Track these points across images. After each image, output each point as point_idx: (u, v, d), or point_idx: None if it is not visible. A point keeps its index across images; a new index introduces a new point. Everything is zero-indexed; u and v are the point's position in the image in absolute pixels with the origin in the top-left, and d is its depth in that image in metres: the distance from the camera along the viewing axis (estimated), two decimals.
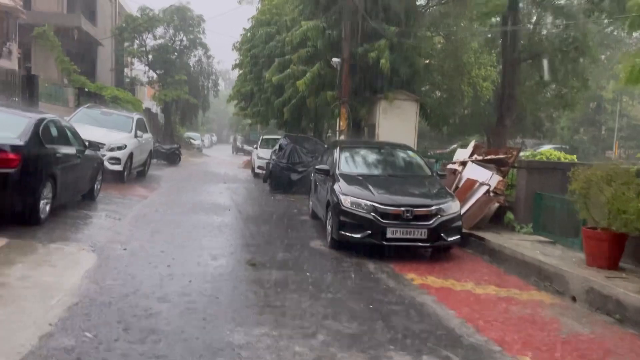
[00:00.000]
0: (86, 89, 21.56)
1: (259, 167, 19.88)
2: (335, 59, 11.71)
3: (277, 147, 15.81)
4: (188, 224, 8.94)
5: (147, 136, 16.29)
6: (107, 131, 13.85)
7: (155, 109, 39.98)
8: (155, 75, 38.45)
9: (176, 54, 38.07)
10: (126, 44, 35.65)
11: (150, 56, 37.23)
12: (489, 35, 16.79)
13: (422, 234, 7.22)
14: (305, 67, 12.52)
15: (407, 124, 12.31)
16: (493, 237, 8.09)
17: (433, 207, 7.36)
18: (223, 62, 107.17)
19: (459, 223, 7.60)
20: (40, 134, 7.44)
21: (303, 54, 12.47)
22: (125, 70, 39.91)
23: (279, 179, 14.72)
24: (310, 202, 10.63)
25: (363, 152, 9.04)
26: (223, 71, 59.59)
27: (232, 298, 5.29)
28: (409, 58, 12.06)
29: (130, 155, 13.95)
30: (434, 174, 8.87)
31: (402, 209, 7.20)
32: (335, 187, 7.78)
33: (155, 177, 16.79)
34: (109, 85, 29.34)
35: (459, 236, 7.56)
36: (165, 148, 23.62)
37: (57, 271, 5.56)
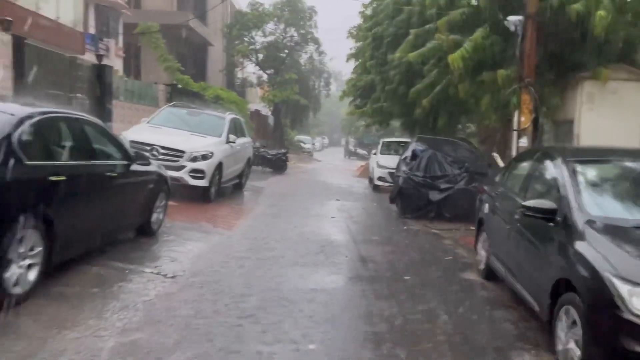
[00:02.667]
0: (179, 86, 19.10)
1: (380, 179, 15.91)
2: (512, 18, 7.39)
3: (407, 154, 11.68)
4: (276, 305, 5.18)
5: (244, 141, 13.06)
6: (189, 135, 10.77)
7: (266, 111, 37.80)
8: (265, 75, 36.16)
9: (286, 51, 35.45)
10: (235, 42, 33.64)
11: (260, 55, 34.96)
12: None
13: None
14: (458, 36, 8.29)
15: (631, 118, 7.60)
16: None
17: None
18: (336, 58, 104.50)
19: None
20: (16, 144, 4.11)
21: (456, 17, 8.24)
22: (237, 71, 38.21)
23: (412, 199, 10.60)
24: (480, 246, 6.42)
25: (624, 169, 4.63)
26: (335, 72, 56.63)
27: None
28: None
29: (219, 166, 10.73)
30: None
31: None
32: (591, 256, 3.52)
33: (253, 192, 13.53)
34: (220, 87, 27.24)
35: None
36: (270, 154, 20.60)
37: None
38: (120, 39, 24.22)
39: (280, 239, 7.72)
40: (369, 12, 17.10)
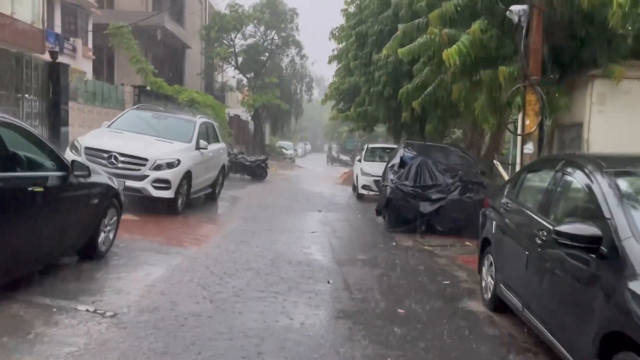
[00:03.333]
0: (148, 88, 17.94)
1: (364, 187, 14.97)
2: (516, 7, 6.47)
3: (394, 161, 10.73)
4: (238, 356, 4.13)
5: (218, 147, 11.99)
6: (154, 141, 9.67)
7: (246, 116, 36.66)
8: (245, 79, 35.06)
9: (267, 54, 34.40)
10: (214, 45, 32.50)
11: (239, 58, 33.86)
12: None
13: None
14: (452, 29, 7.34)
15: None
16: None
17: None
18: (318, 61, 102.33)
19: None
20: None
21: (449, 10, 7.31)
22: (216, 74, 37.03)
23: (401, 212, 9.63)
24: (485, 271, 5.47)
25: None
26: (317, 77, 55.77)
27: None
28: None
29: (188, 175, 9.65)
30: None
31: None
32: None
33: (228, 202, 12.45)
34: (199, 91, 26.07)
35: None
36: (249, 160, 19.52)
37: None
38: (90, 39, 22.97)
39: (253, 261, 6.66)
40: (352, 9, 16.15)
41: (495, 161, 9.14)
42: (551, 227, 3.68)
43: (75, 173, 5.10)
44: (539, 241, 3.97)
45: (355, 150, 40.48)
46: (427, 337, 4.48)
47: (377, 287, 5.93)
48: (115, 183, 6.39)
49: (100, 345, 3.85)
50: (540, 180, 4.66)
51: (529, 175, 5.01)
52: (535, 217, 4.26)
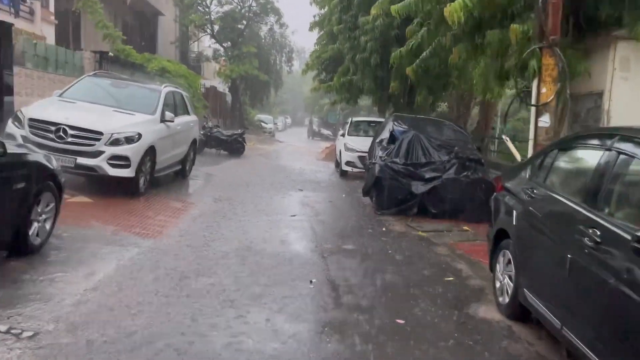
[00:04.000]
0: (110, 54, 16.48)
1: (348, 163, 13.97)
2: None
3: (383, 136, 9.71)
4: None
5: (187, 119, 10.82)
6: (112, 112, 8.47)
7: (223, 87, 35.08)
8: (221, 49, 33.38)
9: (245, 22, 32.69)
10: (189, 12, 30.70)
11: (215, 26, 32.12)
12: None
13: None
14: None
15: None
16: None
17: None
18: (298, 31, 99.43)
19: None
20: None
21: None
22: (191, 43, 35.21)
23: (391, 192, 8.65)
24: (501, 270, 4.55)
25: None
26: (298, 48, 54.03)
27: None
28: None
29: (151, 151, 8.50)
30: None
31: None
32: None
33: (200, 180, 11.35)
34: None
35: None
36: (225, 135, 18.29)
37: None
38: (52, 2, 21.16)
39: (221, 255, 5.63)
40: None
41: (504, 136, 8.16)
42: (614, 229, 2.71)
43: None
44: (589, 242, 3.01)
45: (337, 124, 39.38)
46: (439, 358, 3.54)
47: (368, 288, 4.96)
48: (52, 162, 5.25)
49: None
50: (580, 160, 3.70)
51: (562, 154, 4.03)
52: (579, 208, 3.30)
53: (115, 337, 3.47)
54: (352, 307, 4.40)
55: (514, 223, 4.25)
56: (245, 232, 6.74)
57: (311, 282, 4.90)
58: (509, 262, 4.36)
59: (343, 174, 14.23)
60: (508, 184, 4.74)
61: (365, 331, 3.91)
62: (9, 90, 9.25)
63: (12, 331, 3.43)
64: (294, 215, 8.25)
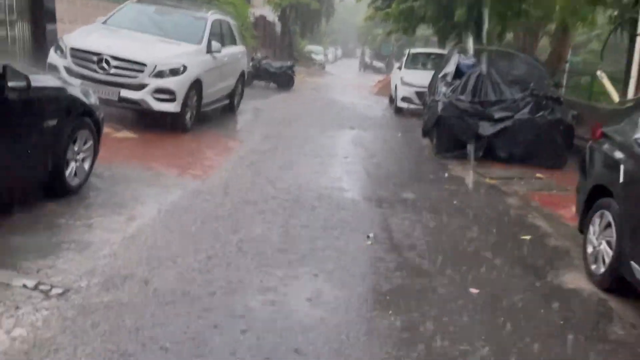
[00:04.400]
0: None
1: (404, 99, 13.05)
2: None
3: (448, 70, 8.77)
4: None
5: (236, 50, 10.19)
6: (156, 42, 7.98)
7: (273, 17, 33.82)
8: None
9: None
10: None
11: None
12: None
13: None
14: None
15: None
16: None
17: None
18: None
19: None
20: None
21: None
22: None
23: (455, 133, 7.86)
24: (595, 234, 3.86)
25: None
26: None
27: None
28: None
29: (197, 84, 8.00)
30: None
31: None
32: None
33: (248, 116, 10.86)
34: None
35: None
36: (275, 67, 17.58)
37: None
38: None
39: (269, 200, 5.16)
40: None
41: (599, 72, 7.06)
42: None
43: (10, 85, 3.52)
44: None
45: (391, 56, 37.64)
46: (522, 342, 2.98)
47: (434, 247, 4.38)
48: (89, 96, 4.82)
49: (27, 350, 2.48)
50: None
51: None
52: None
53: (150, 299, 3.09)
54: (416, 270, 3.86)
55: (621, 180, 3.50)
56: (296, 176, 6.22)
57: (368, 237, 4.37)
58: (608, 225, 3.65)
59: (398, 110, 13.36)
60: (610, 131, 3.93)
61: (432, 301, 3.38)
62: (52, 17, 8.84)
63: (41, 287, 3.10)
64: (346, 157, 7.65)
